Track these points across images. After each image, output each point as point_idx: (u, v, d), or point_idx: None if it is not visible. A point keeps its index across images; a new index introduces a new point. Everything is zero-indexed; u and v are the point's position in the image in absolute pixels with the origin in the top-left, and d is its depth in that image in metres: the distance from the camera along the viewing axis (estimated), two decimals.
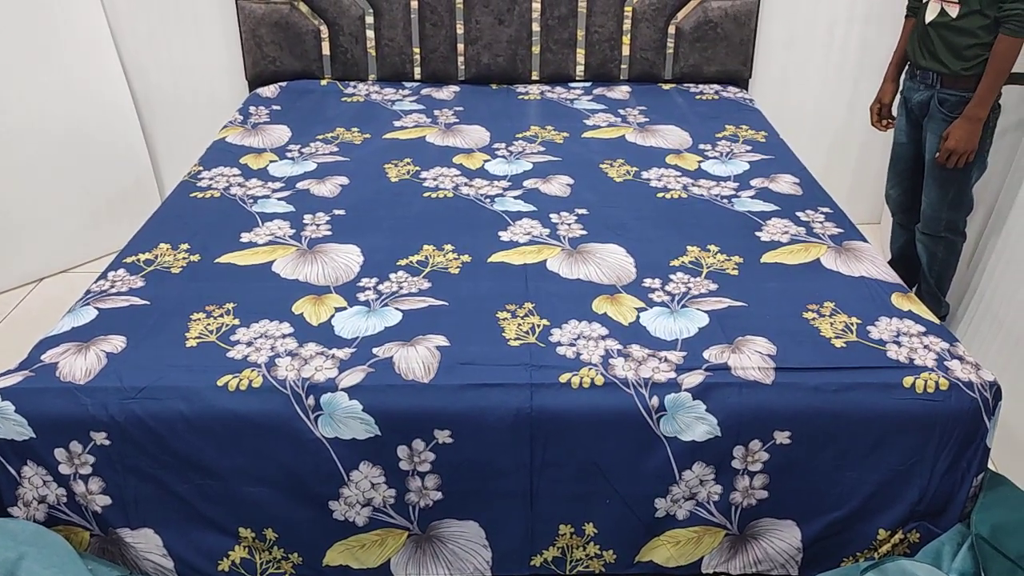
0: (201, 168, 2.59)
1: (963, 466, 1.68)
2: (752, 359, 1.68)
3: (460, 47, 3.31)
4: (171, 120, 3.53)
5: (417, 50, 3.32)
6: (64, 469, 1.65)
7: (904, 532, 1.72)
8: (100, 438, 1.63)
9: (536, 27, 3.28)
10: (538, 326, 1.80)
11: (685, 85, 3.36)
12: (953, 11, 2.40)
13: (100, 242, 3.38)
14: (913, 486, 1.69)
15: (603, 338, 1.76)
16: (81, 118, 3.21)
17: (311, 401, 1.62)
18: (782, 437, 1.65)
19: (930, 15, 2.47)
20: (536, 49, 3.33)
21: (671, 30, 3.30)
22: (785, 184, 2.47)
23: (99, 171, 3.31)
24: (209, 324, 1.80)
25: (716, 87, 3.33)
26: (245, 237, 2.17)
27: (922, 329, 1.78)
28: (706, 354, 1.70)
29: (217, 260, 2.06)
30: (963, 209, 2.62)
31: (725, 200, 2.37)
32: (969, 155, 2.45)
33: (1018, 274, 2.42)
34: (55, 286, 3.21)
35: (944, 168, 2.53)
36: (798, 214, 2.28)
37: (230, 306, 1.87)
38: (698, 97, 3.24)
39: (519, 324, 1.80)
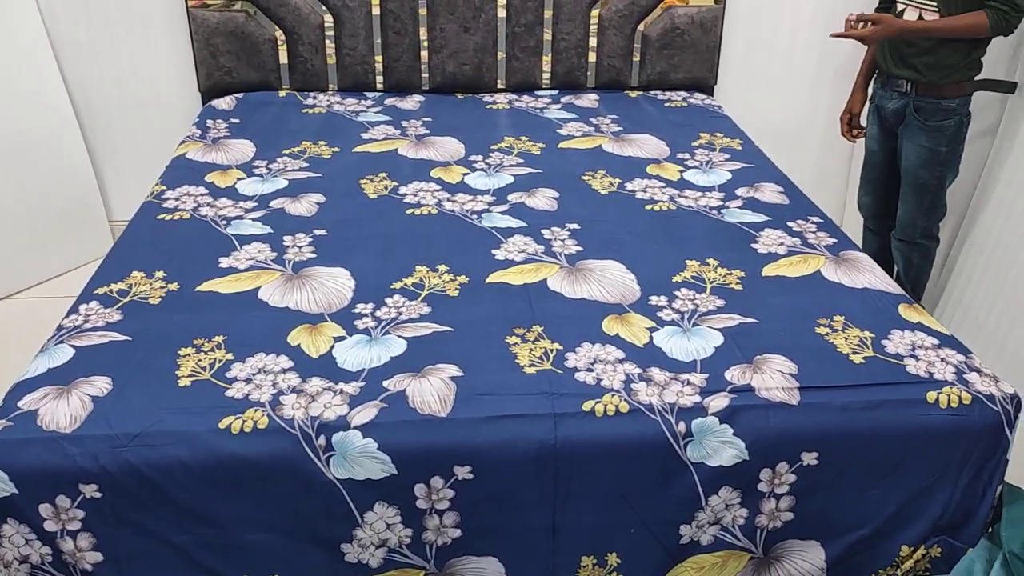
0: (164, 187, 2.44)
1: (985, 479, 1.67)
2: (775, 379, 1.65)
3: (424, 55, 3.23)
4: (117, 134, 3.34)
5: (379, 59, 3.22)
6: (50, 526, 1.51)
7: (926, 548, 1.70)
8: (90, 490, 1.50)
9: (502, 34, 3.22)
10: (551, 351, 1.73)
11: (652, 92, 3.34)
12: (932, 18, 2.40)
13: (44, 266, 3.19)
14: (936, 501, 1.68)
15: (620, 361, 1.70)
16: (17, 132, 3.01)
17: (322, 441, 1.52)
18: (809, 458, 1.62)
19: None
20: (502, 56, 3.26)
21: (638, 37, 3.27)
22: (770, 193, 2.46)
23: (39, 189, 3.11)
24: (201, 360, 1.68)
25: (683, 94, 3.32)
26: (224, 262, 2.04)
27: (936, 342, 1.77)
28: (728, 375, 1.66)
29: (198, 288, 1.93)
30: (937, 215, 2.66)
31: (714, 211, 2.35)
32: (874, 29, 2.37)
33: (996, 278, 2.46)
34: None
35: (920, 176, 2.55)
36: (790, 224, 2.27)
37: (220, 339, 1.75)
38: (667, 104, 3.22)
39: (531, 349, 1.73)
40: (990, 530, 1.71)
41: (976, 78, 2.48)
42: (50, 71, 3.11)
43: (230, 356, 1.69)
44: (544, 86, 3.34)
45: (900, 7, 2.51)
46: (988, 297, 2.48)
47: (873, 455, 1.63)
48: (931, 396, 1.63)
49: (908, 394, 1.64)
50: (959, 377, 1.67)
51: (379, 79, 3.25)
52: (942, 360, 1.71)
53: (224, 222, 2.24)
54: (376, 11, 3.13)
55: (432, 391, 1.60)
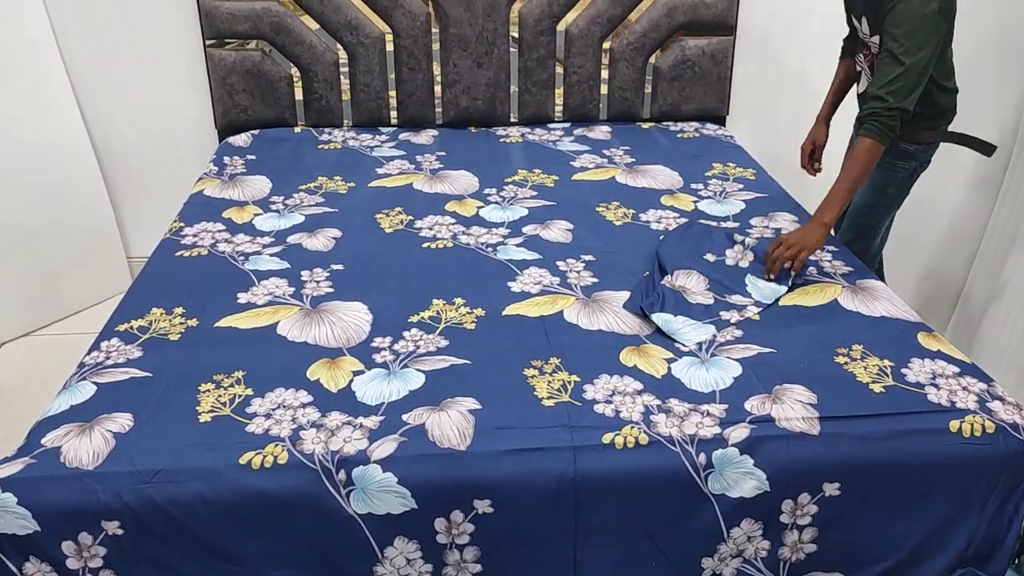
0: (182, 224, 2.47)
1: (1010, 509, 1.66)
2: (795, 409, 1.64)
3: (438, 91, 3.26)
4: (135, 171, 3.38)
5: (393, 94, 3.26)
6: (72, 564, 1.51)
7: None
8: (113, 527, 1.50)
9: (514, 69, 3.25)
10: (569, 383, 1.73)
11: (664, 123, 3.36)
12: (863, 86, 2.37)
13: (63, 301, 3.21)
14: (961, 532, 1.66)
15: (639, 393, 1.70)
16: (36, 170, 3.04)
17: (342, 476, 1.52)
18: (831, 489, 1.60)
19: (861, 87, 2.42)
20: (514, 90, 3.30)
21: (649, 69, 3.30)
22: (785, 223, 2.46)
23: (58, 227, 3.14)
24: (220, 395, 1.69)
25: (695, 124, 3.34)
26: (243, 298, 2.06)
27: (956, 370, 1.76)
28: (747, 406, 1.65)
29: (217, 324, 1.95)
30: (868, 264, 2.50)
31: None
32: (804, 252, 2.07)
33: (1015, 303, 2.44)
34: (16, 351, 3.03)
35: (862, 212, 2.47)
36: None
37: (239, 374, 1.76)
38: (679, 135, 3.24)
39: (549, 381, 1.73)
40: (1016, 561, 1.69)
41: (957, 130, 2.35)
42: (69, 109, 3.16)
43: (249, 391, 1.70)
44: (556, 119, 3.37)
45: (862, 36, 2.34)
46: (1008, 322, 2.47)
47: (896, 485, 1.62)
48: (953, 425, 1.62)
49: (930, 423, 1.63)
50: (982, 405, 1.66)
51: (393, 114, 3.29)
52: (964, 388, 1.70)
53: (242, 258, 2.26)
54: (390, 48, 3.17)
55: (451, 424, 1.60)
